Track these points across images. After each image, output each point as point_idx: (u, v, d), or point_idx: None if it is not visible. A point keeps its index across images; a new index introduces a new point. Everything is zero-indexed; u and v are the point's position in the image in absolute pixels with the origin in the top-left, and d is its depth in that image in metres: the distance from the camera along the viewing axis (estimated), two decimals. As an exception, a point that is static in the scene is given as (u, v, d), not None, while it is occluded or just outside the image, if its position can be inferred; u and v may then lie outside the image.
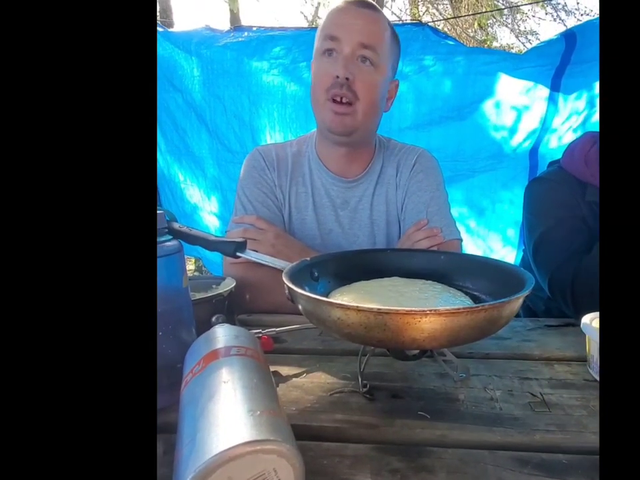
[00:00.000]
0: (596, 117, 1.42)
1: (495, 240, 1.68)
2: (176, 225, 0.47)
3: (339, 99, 0.68)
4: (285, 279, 0.41)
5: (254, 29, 1.53)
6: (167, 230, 0.40)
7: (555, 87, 1.42)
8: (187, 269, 0.44)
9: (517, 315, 0.98)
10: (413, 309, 0.32)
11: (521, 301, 0.37)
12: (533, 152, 1.52)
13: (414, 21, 1.51)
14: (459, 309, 0.33)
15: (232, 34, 1.52)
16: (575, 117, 1.45)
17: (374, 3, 0.73)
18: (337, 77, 0.67)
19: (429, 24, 1.41)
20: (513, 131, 1.50)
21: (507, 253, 1.67)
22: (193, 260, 2.98)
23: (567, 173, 0.84)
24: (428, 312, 0.32)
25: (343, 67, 0.66)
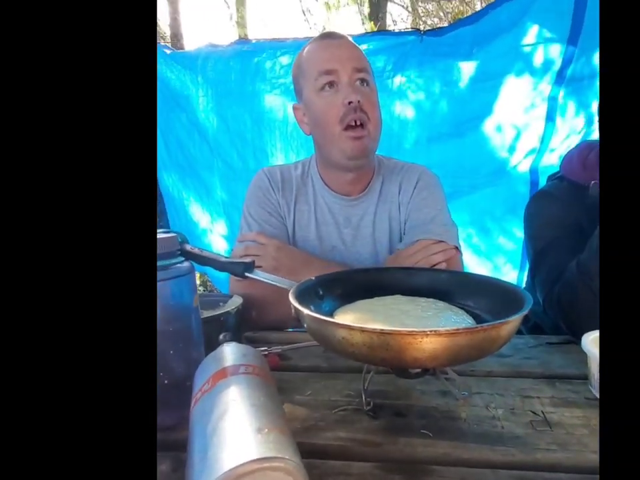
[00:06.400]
0: (594, 135, 1.44)
1: (497, 257, 1.68)
2: (187, 247, 0.49)
3: (354, 124, 0.69)
4: (291, 299, 0.42)
5: (253, 41, 1.61)
6: (179, 252, 0.42)
7: (553, 102, 1.44)
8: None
9: (520, 332, 0.98)
10: (414, 329, 0.34)
11: (519, 320, 0.38)
12: (534, 170, 1.53)
13: (411, 29, 1.52)
14: (458, 329, 0.34)
15: (234, 46, 1.59)
16: (573, 135, 1.47)
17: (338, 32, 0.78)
18: (350, 102, 0.68)
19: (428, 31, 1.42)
20: (512, 148, 1.51)
21: (509, 270, 1.67)
22: (198, 274, 3.01)
23: (566, 182, 0.85)
24: (429, 332, 0.33)
25: (353, 92, 0.68)
